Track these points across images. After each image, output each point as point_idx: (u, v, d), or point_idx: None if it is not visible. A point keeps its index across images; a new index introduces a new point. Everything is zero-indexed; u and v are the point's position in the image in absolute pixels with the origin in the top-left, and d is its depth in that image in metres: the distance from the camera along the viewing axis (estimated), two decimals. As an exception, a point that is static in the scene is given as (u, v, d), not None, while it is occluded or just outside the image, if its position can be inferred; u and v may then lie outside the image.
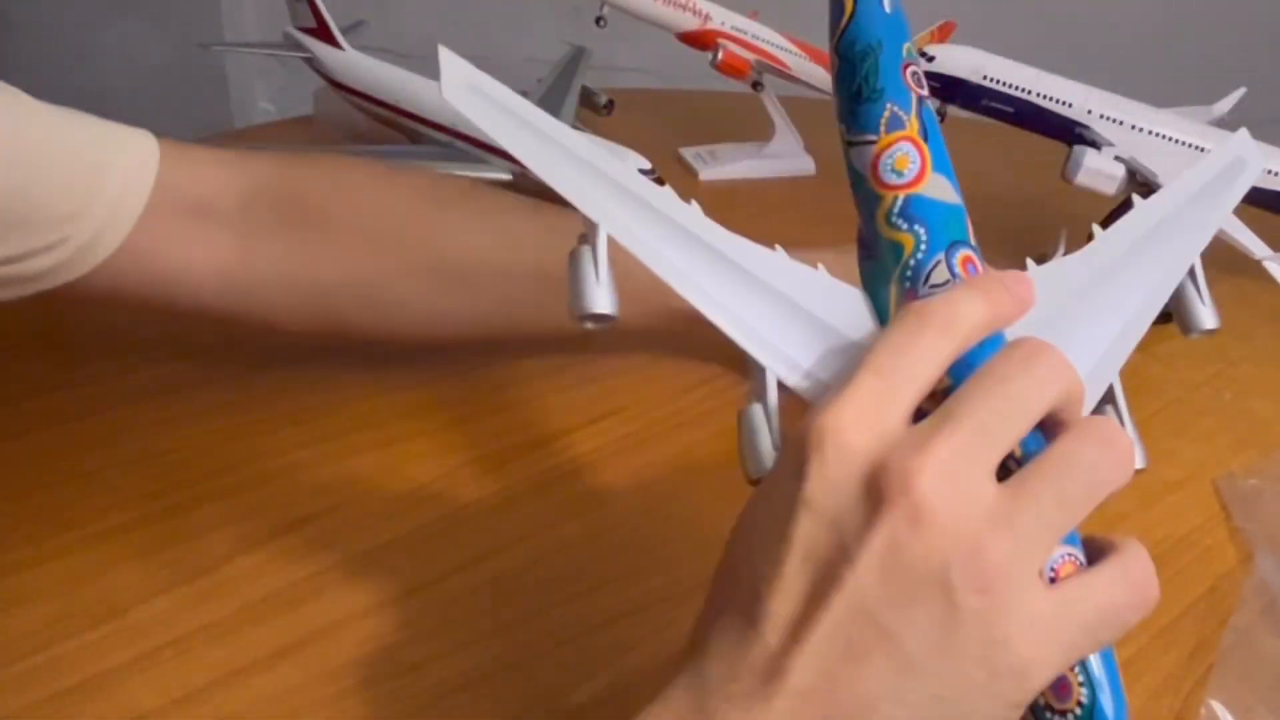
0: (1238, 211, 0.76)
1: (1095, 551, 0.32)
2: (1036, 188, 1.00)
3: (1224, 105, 0.93)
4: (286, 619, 0.46)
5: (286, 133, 1.08)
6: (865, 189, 0.36)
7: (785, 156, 1.05)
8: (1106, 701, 0.30)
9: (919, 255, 0.34)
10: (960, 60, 0.83)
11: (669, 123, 1.14)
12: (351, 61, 0.96)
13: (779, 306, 0.34)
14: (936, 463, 0.29)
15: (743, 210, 0.98)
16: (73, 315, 0.64)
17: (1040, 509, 0.29)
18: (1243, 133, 0.42)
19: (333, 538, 0.51)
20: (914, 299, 0.34)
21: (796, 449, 0.31)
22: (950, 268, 0.34)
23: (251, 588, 0.47)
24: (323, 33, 0.96)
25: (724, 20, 0.99)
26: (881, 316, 0.35)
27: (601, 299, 0.33)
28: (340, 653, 0.45)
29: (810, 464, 0.30)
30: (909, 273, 0.34)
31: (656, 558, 0.51)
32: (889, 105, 0.36)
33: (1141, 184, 0.78)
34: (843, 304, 0.35)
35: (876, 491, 0.29)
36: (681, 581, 0.50)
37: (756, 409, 0.34)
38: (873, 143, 0.36)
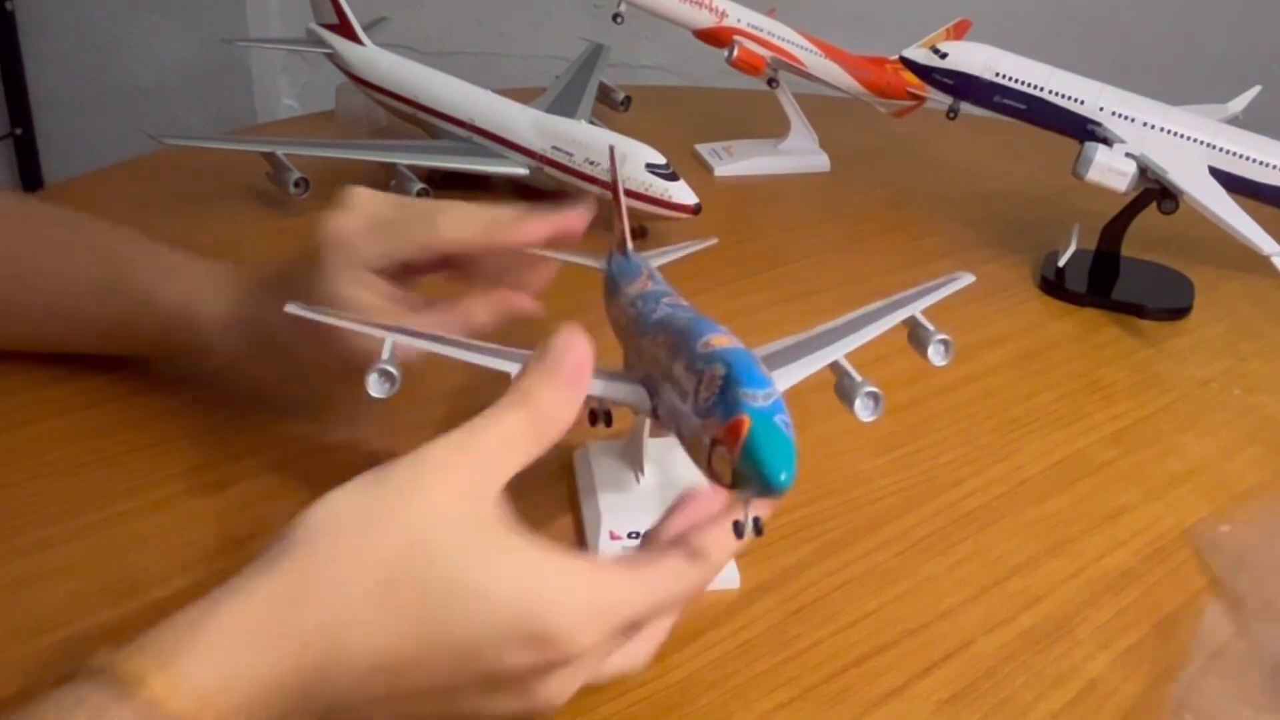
0: (1246, 208, 0.77)
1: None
2: (1048, 184, 1.01)
3: (1239, 103, 0.93)
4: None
5: (309, 128, 1.10)
6: None
7: (800, 153, 1.06)
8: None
9: None
10: (973, 57, 0.84)
11: (686, 119, 1.15)
12: (373, 57, 0.97)
13: None
14: None
15: (757, 206, 0.99)
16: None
17: None
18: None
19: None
20: None
21: None
22: None
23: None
24: (345, 29, 0.98)
25: (740, 17, 1.00)
26: None
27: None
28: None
29: None
30: None
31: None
32: None
33: (1153, 181, 0.78)
34: None
35: None
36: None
37: None
38: None
